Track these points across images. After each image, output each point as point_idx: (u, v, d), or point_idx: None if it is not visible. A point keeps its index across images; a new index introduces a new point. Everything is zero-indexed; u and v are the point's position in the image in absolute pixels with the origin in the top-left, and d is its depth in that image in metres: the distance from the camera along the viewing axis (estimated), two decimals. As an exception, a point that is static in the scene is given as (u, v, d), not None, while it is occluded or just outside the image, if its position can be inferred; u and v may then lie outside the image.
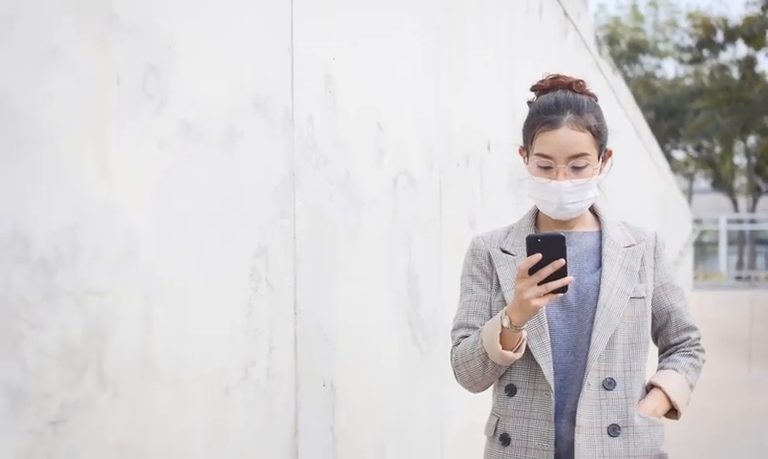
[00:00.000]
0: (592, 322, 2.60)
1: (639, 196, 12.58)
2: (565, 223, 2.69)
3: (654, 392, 2.71)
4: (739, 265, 39.93)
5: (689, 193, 42.95)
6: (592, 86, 2.79)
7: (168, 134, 2.09)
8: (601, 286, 2.62)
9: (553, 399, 2.57)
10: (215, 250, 2.28)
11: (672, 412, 2.74)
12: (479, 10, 4.41)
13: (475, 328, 2.65)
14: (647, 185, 14.22)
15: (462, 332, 2.68)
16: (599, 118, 2.66)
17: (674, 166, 38.76)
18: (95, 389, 1.86)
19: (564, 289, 2.41)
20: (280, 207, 2.57)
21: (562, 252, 2.38)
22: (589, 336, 2.60)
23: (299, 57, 2.67)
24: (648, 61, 45.65)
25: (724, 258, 34.85)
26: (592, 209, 2.77)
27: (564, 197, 2.59)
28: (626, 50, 44.05)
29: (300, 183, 2.67)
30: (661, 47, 45.73)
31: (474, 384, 2.66)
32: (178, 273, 2.13)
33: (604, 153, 2.70)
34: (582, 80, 2.73)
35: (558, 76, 2.71)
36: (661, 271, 2.76)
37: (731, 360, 15.41)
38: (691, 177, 47.13)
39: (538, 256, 2.37)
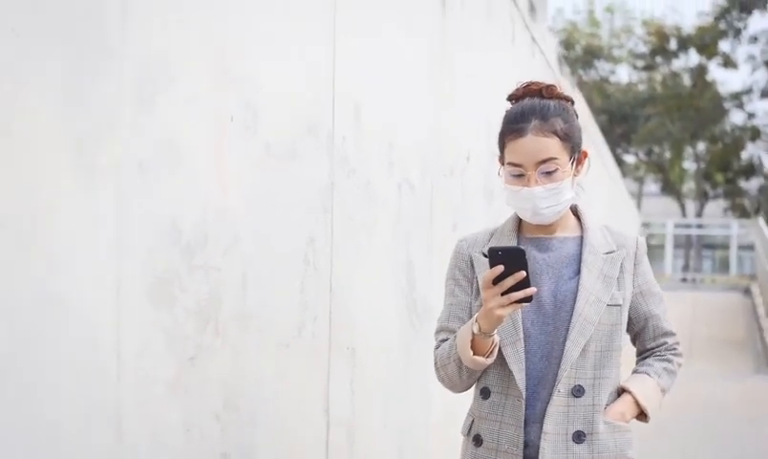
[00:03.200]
0: (568, 330, 2.62)
1: (590, 199, 13.40)
2: (546, 227, 2.72)
3: (624, 397, 2.74)
4: (685, 268, 40.95)
5: (638, 196, 43.87)
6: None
7: (258, 154, 2.86)
8: (578, 294, 2.63)
9: (523, 405, 2.61)
10: (283, 239, 3.03)
11: (642, 416, 2.77)
12: (466, 40, 5.17)
13: (454, 332, 2.70)
14: (597, 189, 15.05)
15: (443, 335, 2.75)
16: (567, 120, 2.66)
17: (625, 170, 39.67)
18: (213, 337, 2.62)
19: (528, 299, 2.44)
20: (323, 207, 3.32)
21: (523, 265, 2.41)
22: (564, 343, 2.62)
23: (338, 95, 3.42)
24: (602, 66, 46.28)
25: (670, 260, 35.85)
26: (576, 213, 2.80)
27: (537, 203, 2.60)
28: (581, 54, 44.74)
29: (337, 188, 3.42)
30: (616, 52, 46.33)
31: (453, 386, 2.74)
32: (261, 255, 2.88)
33: (578, 155, 2.70)
34: (553, 85, 2.74)
35: (530, 84, 2.74)
36: (641, 276, 2.78)
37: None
38: (641, 181, 48.04)
39: (500, 268, 2.41)
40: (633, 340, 2.89)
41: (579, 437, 2.62)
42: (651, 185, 50.31)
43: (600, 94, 42.23)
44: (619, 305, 2.68)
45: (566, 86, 9.54)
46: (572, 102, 2.76)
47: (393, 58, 4.03)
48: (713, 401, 12.92)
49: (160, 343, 2.39)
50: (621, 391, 2.75)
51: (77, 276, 2.09)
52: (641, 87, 45.04)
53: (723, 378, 15.09)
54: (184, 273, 2.47)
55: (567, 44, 43.48)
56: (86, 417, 2.13)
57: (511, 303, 2.43)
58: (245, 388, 2.80)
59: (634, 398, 2.73)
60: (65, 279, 2.05)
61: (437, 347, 2.76)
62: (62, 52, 2.03)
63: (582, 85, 34.30)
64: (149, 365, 2.35)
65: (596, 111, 33.99)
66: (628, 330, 2.82)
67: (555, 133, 2.61)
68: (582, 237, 2.74)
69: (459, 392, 2.78)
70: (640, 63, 45.31)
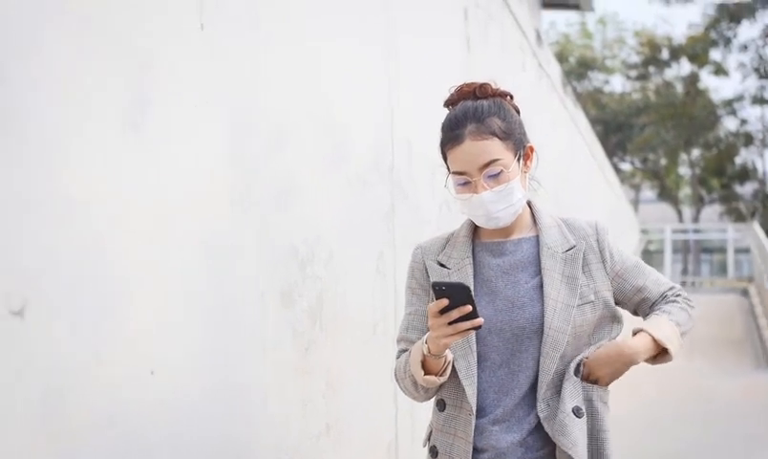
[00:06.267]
0: (531, 338, 2.52)
1: (593, 212, 14.10)
2: (502, 229, 2.61)
3: (638, 336, 2.58)
4: (684, 271, 41.46)
5: (635, 203, 44.41)
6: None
7: (350, 183, 3.58)
8: (544, 306, 2.51)
9: (473, 420, 2.52)
10: (361, 252, 3.75)
11: (663, 354, 2.60)
12: (487, 73, 5.89)
13: (413, 342, 2.63)
14: (600, 201, 15.77)
15: (403, 346, 2.68)
16: (504, 118, 2.53)
17: (622, 178, 40.19)
18: (319, 332, 3.34)
19: (476, 328, 2.33)
20: (387, 226, 4.04)
21: (468, 299, 2.31)
22: (530, 353, 2.53)
23: (396, 136, 4.14)
24: (596, 77, 46.83)
25: (669, 265, 36.33)
26: (531, 210, 2.68)
27: (489, 208, 2.49)
28: (575, 66, 45.31)
29: (395, 211, 4.14)
30: (609, 63, 46.71)
31: (413, 398, 2.66)
32: (347, 267, 3.60)
33: (523, 150, 2.57)
34: (486, 84, 2.62)
35: (462, 86, 2.64)
36: (610, 260, 2.63)
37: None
38: (637, 188, 48.59)
39: (444, 302, 2.31)
40: (636, 315, 2.76)
41: (578, 411, 2.51)
42: (648, 192, 50.81)
43: (595, 104, 42.74)
44: (591, 301, 2.57)
45: (569, 105, 10.28)
46: (510, 97, 2.65)
47: (434, 98, 4.75)
48: (715, 395, 13.50)
49: (288, 337, 3.11)
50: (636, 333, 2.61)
51: (239, 287, 2.81)
52: (635, 96, 45.43)
53: (725, 373, 15.67)
54: (300, 282, 3.19)
55: (561, 56, 43.95)
56: (244, 390, 2.85)
57: (458, 332, 2.34)
58: (339, 374, 3.52)
59: (649, 334, 2.57)
60: (233, 290, 2.77)
61: (397, 357, 2.70)
62: (228, 120, 2.76)
63: (577, 96, 34.54)
64: (282, 354, 3.06)
65: (591, 121, 34.48)
66: (626, 309, 2.74)
67: (493, 133, 2.49)
68: (538, 237, 2.64)
69: (422, 403, 2.71)
70: (633, 73, 45.74)
